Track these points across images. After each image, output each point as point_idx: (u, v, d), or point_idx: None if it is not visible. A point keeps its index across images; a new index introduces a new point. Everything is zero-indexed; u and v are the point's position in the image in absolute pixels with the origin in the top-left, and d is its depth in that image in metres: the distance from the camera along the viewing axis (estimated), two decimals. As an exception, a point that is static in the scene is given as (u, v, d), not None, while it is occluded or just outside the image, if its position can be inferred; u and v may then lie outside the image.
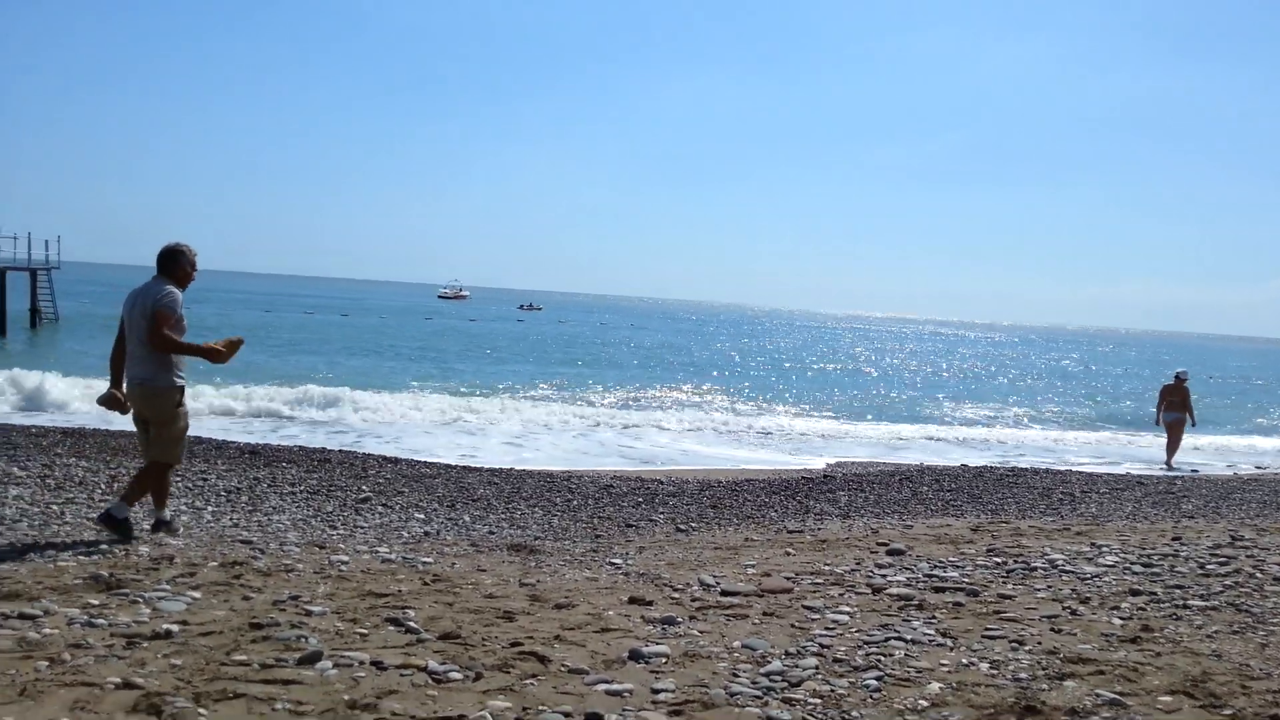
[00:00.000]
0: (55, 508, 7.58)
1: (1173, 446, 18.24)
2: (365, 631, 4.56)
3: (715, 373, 39.13)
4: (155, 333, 6.32)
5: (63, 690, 3.59)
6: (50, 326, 38.00)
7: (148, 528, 6.88)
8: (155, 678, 3.76)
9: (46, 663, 3.87)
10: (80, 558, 5.88)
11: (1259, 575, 6.18)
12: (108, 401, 6.67)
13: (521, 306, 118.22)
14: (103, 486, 8.71)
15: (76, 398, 17.99)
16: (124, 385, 6.63)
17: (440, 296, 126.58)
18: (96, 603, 4.81)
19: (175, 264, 6.61)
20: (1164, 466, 17.91)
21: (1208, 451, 21.72)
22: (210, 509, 8.12)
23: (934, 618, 5.13)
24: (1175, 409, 18.10)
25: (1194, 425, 18.60)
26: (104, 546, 6.22)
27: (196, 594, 5.08)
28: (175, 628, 4.42)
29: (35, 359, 24.84)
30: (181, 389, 6.64)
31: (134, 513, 6.70)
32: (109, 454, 11.07)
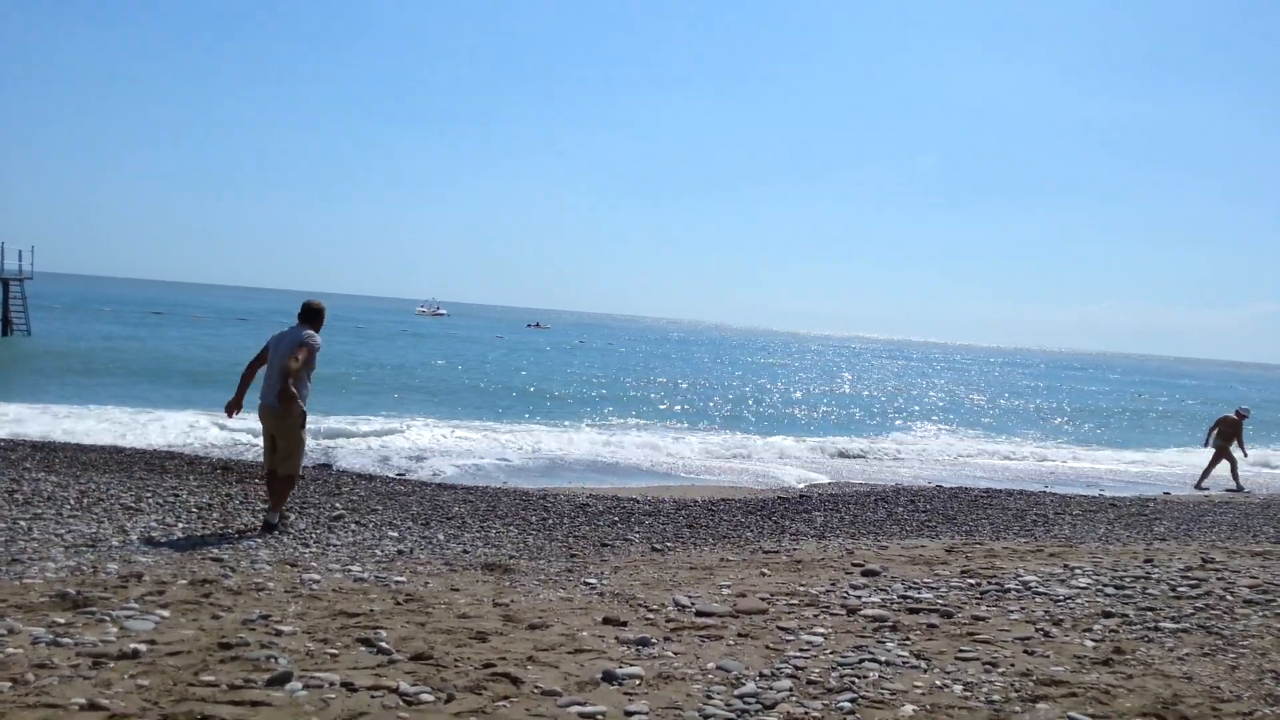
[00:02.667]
0: (23, 523, 7.47)
1: (1209, 469, 19.50)
2: (336, 652, 4.52)
3: (684, 400, 39.19)
4: (295, 356, 7.79)
5: (25, 711, 3.53)
6: (22, 340, 37.53)
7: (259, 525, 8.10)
8: (121, 698, 3.71)
9: (9, 683, 3.81)
10: (47, 575, 5.80)
11: (1229, 598, 6.23)
12: (229, 407, 8.18)
13: (529, 325, 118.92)
14: (71, 502, 8.60)
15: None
16: (242, 398, 8.15)
17: (419, 313, 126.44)
18: (62, 621, 4.74)
19: (320, 317, 8.25)
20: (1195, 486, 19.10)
21: (1173, 474, 21.94)
22: (181, 525, 8.03)
23: (908, 639, 5.13)
24: (1221, 438, 19.47)
25: (1216, 458, 19.45)
26: (71, 563, 6.14)
27: (165, 613, 5.02)
28: (143, 647, 4.36)
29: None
30: (305, 413, 8.02)
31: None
32: (79, 469, 10.93)
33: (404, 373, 37.34)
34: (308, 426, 8.24)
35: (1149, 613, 5.80)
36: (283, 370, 7.78)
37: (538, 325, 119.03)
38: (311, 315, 8.20)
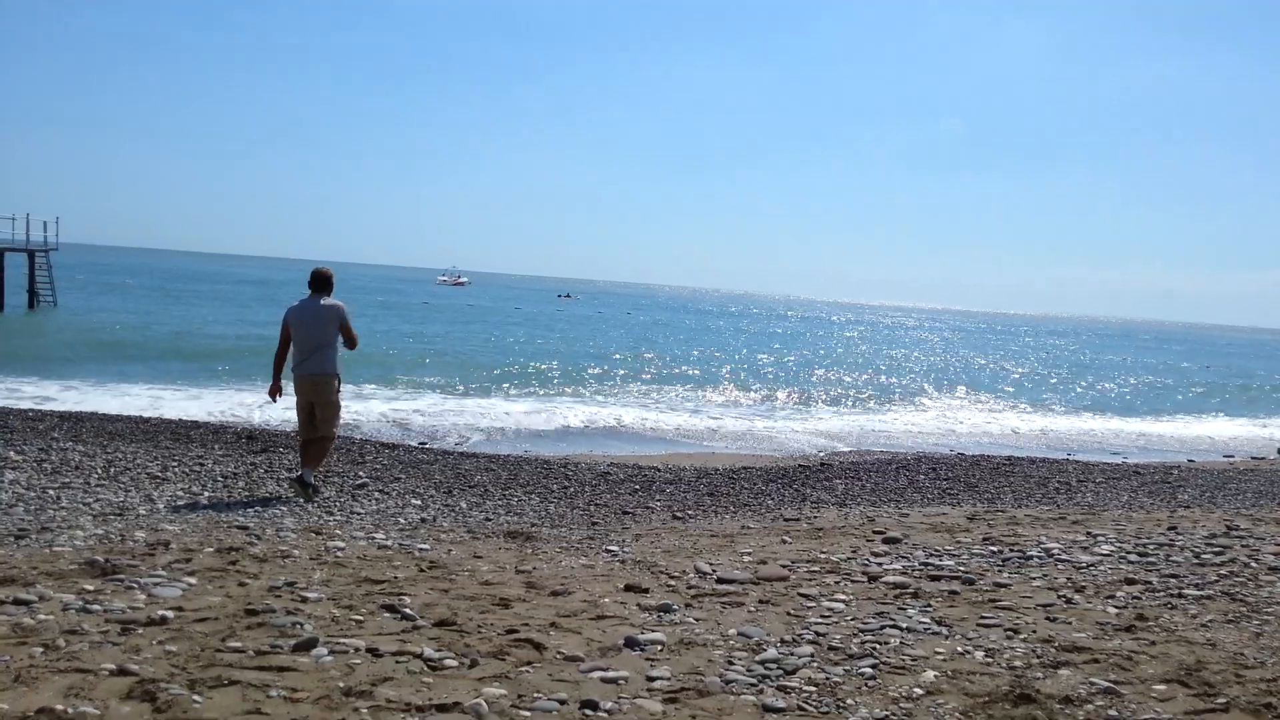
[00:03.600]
0: (51, 492, 7.58)
1: None
2: (361, 618, 4.56)
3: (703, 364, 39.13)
4: (350, 333, 8.36)
5: (57, 676, 3.59)
6: (47, 310, 37.79)
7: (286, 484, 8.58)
8: (150, 664, 3.76)
9: (41, 649, 3.87)
10: (76, 543, 5.88)
11: (1254, 565, 6.19)
12: (271, 392, 8.63)
13: (560, 296, 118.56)
14: (99, 471, 8.71)
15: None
16: (281, 380, 8.47)
17: (439, 282, 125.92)
18: (91, 588, 4.81)
19: (332, 284, 8.47)
20: None
21: (1200, 440, 21.78)
22: (207, 494, 8.12)
23: (929, 606, 5.13)
24: None
25: None
26: (99, 532, 6.23)
27: (192, 580, 5.08)
28: (170, 614, 4.42)
29: (25, 353, 24.69)
30: (340, 378, 8.39)
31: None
32: (105, 438, 11.06)
33: (422, 342, 37.48)
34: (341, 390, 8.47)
35: (1172, 580, 5.78)
36: (349, 343, 8.40)
37: (568, 296, 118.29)
38: (326, 283, 8.41)
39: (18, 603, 4.47)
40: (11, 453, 9.31)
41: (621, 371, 30.80)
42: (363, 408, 17.85)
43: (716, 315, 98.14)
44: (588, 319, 68.68)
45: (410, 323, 49.58)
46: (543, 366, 30.59)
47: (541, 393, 23.39)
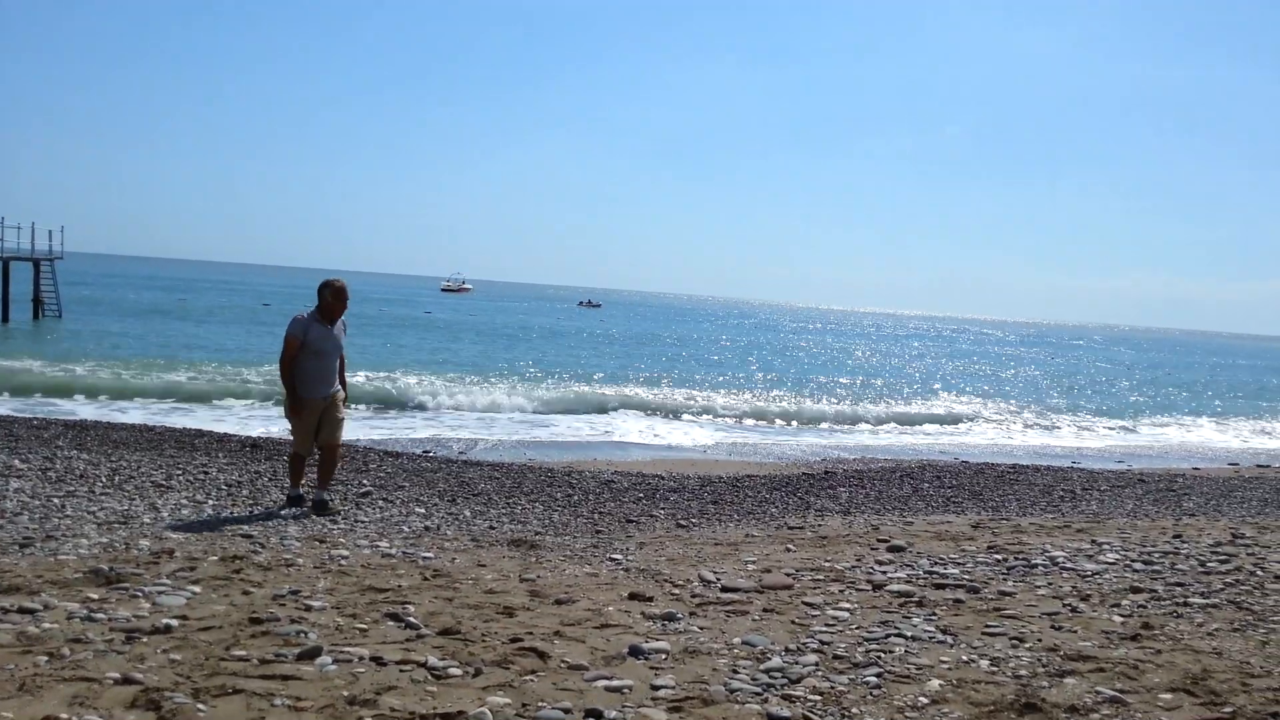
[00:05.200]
0: (56, 501, 7.58)
1: None
2: (365, 627, 4.56)
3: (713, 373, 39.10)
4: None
5: (62, 685, 3.59)
6: (51, 321, 37.84)
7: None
8: (154, 673, 3.76)
9: (46, 657, 3.87)
10: (80, 552, 5.89)
11: (1260, 573, 6.17)
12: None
13: (581, 303, 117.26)
14: (104, 480, 8.71)
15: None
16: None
17: (443, 290, 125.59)
18: (96, 597, 4.81)
19: (320, 296, 7.88)
20: None
21: (1202, 448, 21.74)
22: (211, 502, 8.12)
23: (934, 615, 5.12)
24: None
25: None
26: (104, 540, 6.24)
27: (196, 588, 5.09)
28: (175, 622, 4.42)
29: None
30: (298, 399, 7.78)
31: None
32: (110, 447, 11.07)
33: (423, 352, 37.50)
34: (296, 409, 7.85)
35: (1178, 588, 5.76)
36: None
37: (590, 304, 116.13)
38: (317, 295, 8.00)
39: (22, 611, 4.47)
40: (16, 461, 9.32)
41: (625, 380, 30.78)
42: (367, 417, 17.85)
43: (726, 324, 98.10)
44: (587, 330, 68.67)
45: (412, 332, 49.63)
46: (547, 374, 30.58)
47: (546, 401, 23.35)
